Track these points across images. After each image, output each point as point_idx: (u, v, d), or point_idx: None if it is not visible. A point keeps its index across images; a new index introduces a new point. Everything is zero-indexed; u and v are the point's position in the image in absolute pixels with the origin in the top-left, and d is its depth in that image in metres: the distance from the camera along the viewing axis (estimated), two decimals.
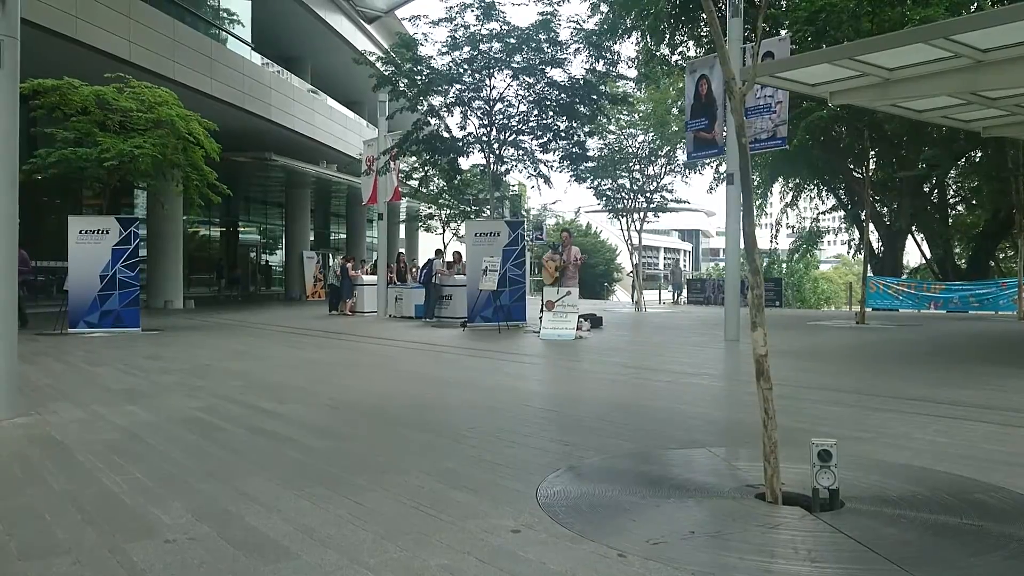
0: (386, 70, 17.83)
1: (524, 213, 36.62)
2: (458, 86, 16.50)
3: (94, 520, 3.28)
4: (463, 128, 17.10)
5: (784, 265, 39.94)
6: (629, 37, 21.01)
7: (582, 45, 16.17)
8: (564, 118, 16.74)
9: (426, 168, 19.16)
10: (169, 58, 18.08)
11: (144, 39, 17.24)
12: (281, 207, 35.70)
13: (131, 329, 13.59)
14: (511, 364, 9.48)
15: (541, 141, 17.03)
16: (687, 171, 24.44)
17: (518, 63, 15.84)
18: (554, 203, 40.69)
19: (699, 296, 30.21)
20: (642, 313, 22.24)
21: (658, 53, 21.50)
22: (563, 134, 16.96)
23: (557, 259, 13.45)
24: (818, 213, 29.31)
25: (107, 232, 13.63)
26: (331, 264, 24.00)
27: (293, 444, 4.78)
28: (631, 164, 23.68)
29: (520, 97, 16.56)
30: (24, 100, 9.77)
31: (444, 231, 31.12)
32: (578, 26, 16.18)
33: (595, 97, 16.55)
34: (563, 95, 16.25)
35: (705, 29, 20.03)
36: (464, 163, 18.97)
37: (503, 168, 17.55)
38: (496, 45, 15.71)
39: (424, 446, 4.70)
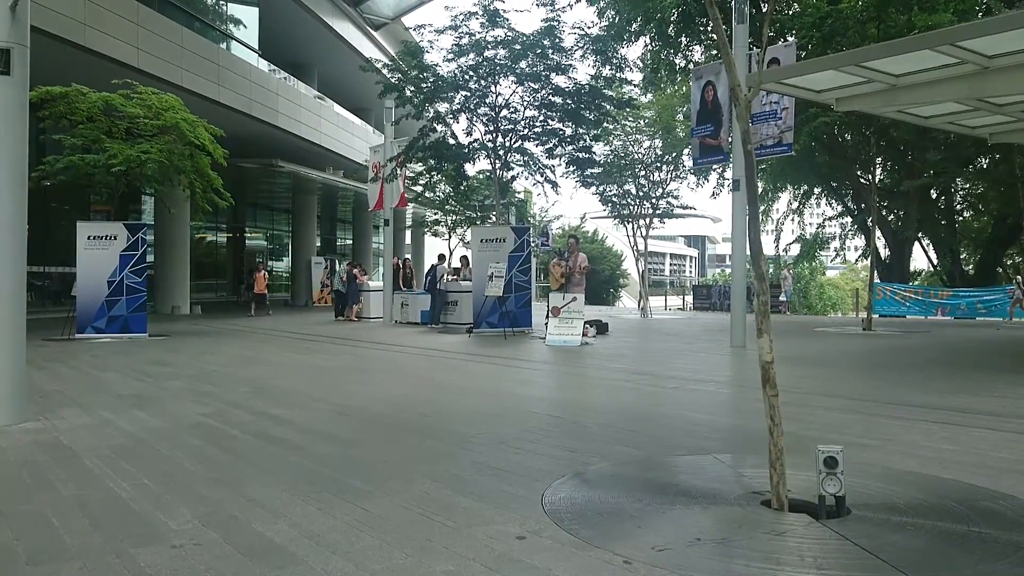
0: (392, 77, 17.90)
1: (531, 218, 36.64)
2: (464, 93, 16.55)
3: (102, 525, 3.29)
4: (469, 134, 17.15)
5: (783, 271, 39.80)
6: (636, 41, 21.05)
7: (587, 51, 16.20)
8: (570, 123, 16.77)
9: (432, 174, 19.19)
10: (177, 65, 18.18)
11: (152, 46, 17.34)
12: (288, 213, 35.81)
13: (138, 334, 13.64)
14: (517, 370, 9.48)
15: (547, 147, 17.06)
16: (698, 179, 24.44)
17: (523, 69, 15.87)
18: (553, 204, 40.58)
19: (705, 302, 30.18)
20: (648, 319, 22.22)
21: (664, 57, 21.52)
22: (569, 139, 16.99)
23: (563, 265, 13.48)
24: (824, 219, 29.25)
25: (115, 238, 13.70)
26: (338, 270, 24.03)
27: (300, 450, 4.79)
28: (637, 170, 23.70)
29: (526, 103, 16.61)
30: (33, 107, 9.85)
31: (450, 237, 31.19)
32: (583, 31, 16.22)
33: (600, 102, 16.57)
34: (568, 101, 16.28)
35: (712, 34, 20.04)
36: (470, 169, 19.01)
37: (509, 175, 17.57)
38: (501, 52, 15.75)
39: (430, 452, 4.71)
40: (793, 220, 29.21)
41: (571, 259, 13.50)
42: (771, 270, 30.08)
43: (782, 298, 26.67)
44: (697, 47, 22.04)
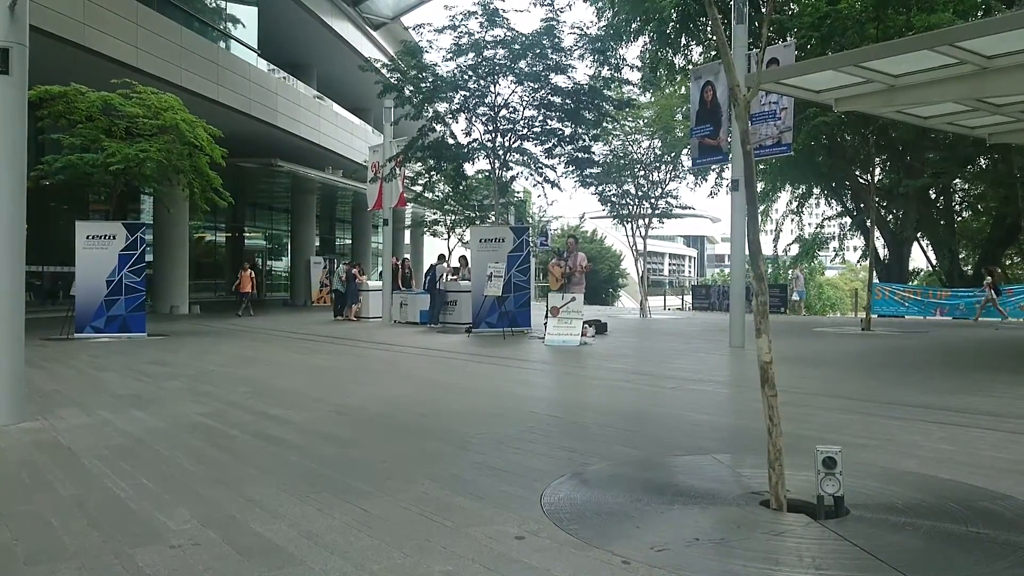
0: (391, 77, 17.90)
1: (530, 218, 36.63)
2: (463, 92, 16.55)
3: (100, 525, 3.29)
4: (468, 134, 17.15)
5: (790, 272, 39.80)
6: (635, 41, 21.04)
7: (586, 51, 16.20)
8: (569, 123, 16.77)
9: (431, 174, 19.19)
10: (176, 64, 18.17)
11: (152, 46, 17.34)
12: (287, 213, 35.83)
13: (137, 334, 13.64)
14: (516, 370, 9.48)
15: (546, 147, 17.06)
16: (696, 179, 24.42)
17: (522, 69, 15.87)
18: (552, 203, 40.54)
19: (704, 302, 30.18)
20: (647, 319, 22.22)
21: (663, 57, 21.50)
22: (568, 139, 16.99)
23: (563, 265, 13.46)
24: (823, 219, 29.24)
25: (114, 237, 13.70)
26: (336, 270, 24.03)
27: (299, 450, 4.79)
28: (636, 170, 23.69)
29: (525, 103, 16.61)
30: (32, 107, 9.85)
31: (449, 237, 31.19)
32: (582, 31, 16.22)
33: (599, 103, 16.57)
34: (568, 101, 16.28)
35: (711, 34, 20.02)
36: (469, 169, 19.01)
37: (509, 175, 17.57)
38: (500, 51, 15.75)
39: (429, 452, 4.71)
40: (792, 220, 29.20)
41: (571, 259, 13.49)
42: (769, 271, 29.95)
43: (795, 297, 26.52)
44: (697, 47, 22.03)
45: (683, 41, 21.26)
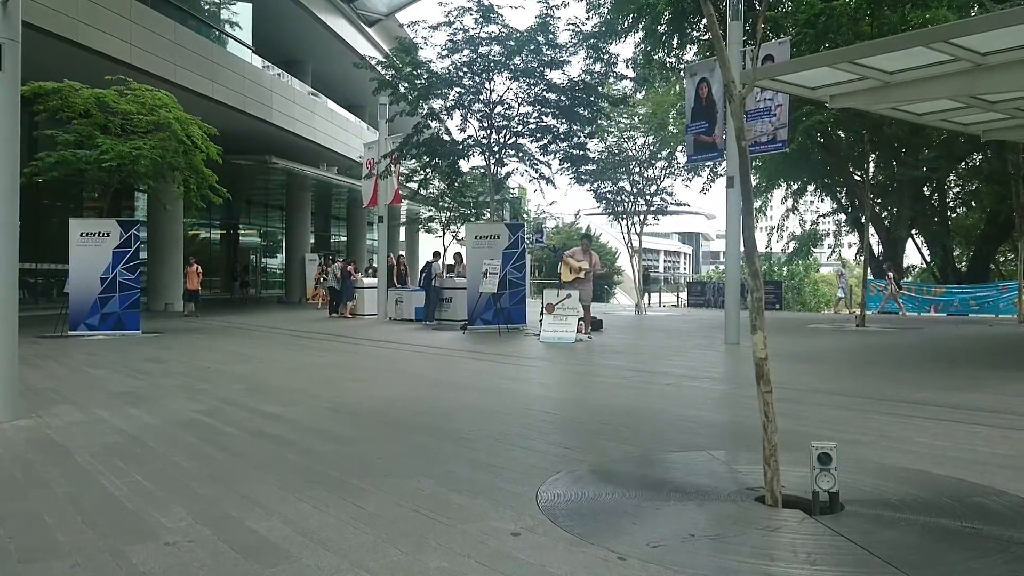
0: (386, 74, 17.85)
1: (526, 214, 36.61)
2: (458, 89, 16.52)
3: (94, 523, 3.28)
4: (463, 131, 17.12)
5: (785, 268, 39.80)
6: (626, 38, 20.99)
7: (580, 47, 16.18)
8: (564, 120, 16.75)
9: (426, 171, 19.18)
10: (170, 61, 18.09)
11: (145, 42, 17.25)
12: (282, 210, 35.75)
13: (131, 332, 13.60)
14: (511, 367, 9.48)
15: (541, 143, 17.04)
16: (690, 175, 24.43)
17: (517, 65, 15.85)
18: (551, 204, 40.67)
19: (699, 299, 30.24)
20: (643, 316, 22.24)
21: (656, 56, 21.48)
22: (562, 136, 16.97)
23: (584, 263, 13.35)
24: (818, 216, 29.29)
25: (108, 234, 13.65)
26: (331, 267, 23.99)
27: (294, 447, 4.78)
28: (631, 167, 23.69)
29: (520, 99, 16.58)
30: (25, 103, 9.80)
31: (444, 234, 31.17)
32: (576, 28, 16.20)
33: (594, 99, 16.56)
34: (562, 97, 16.27)
35: (705, 32, 20.01)
36: (464, 166, 18.99)
37: (504, 171, 17.56)
38: (495, 48, 15.73)
39: (425, 449, 4.71)
40: (786, 218, 29.24)
41: (586, 258, 13.46)
42: (763, 268, 29.92)
43: (839, 294, 26.79)
44: (690, 47, 22.00)
45: (676, 41, 21.24)
